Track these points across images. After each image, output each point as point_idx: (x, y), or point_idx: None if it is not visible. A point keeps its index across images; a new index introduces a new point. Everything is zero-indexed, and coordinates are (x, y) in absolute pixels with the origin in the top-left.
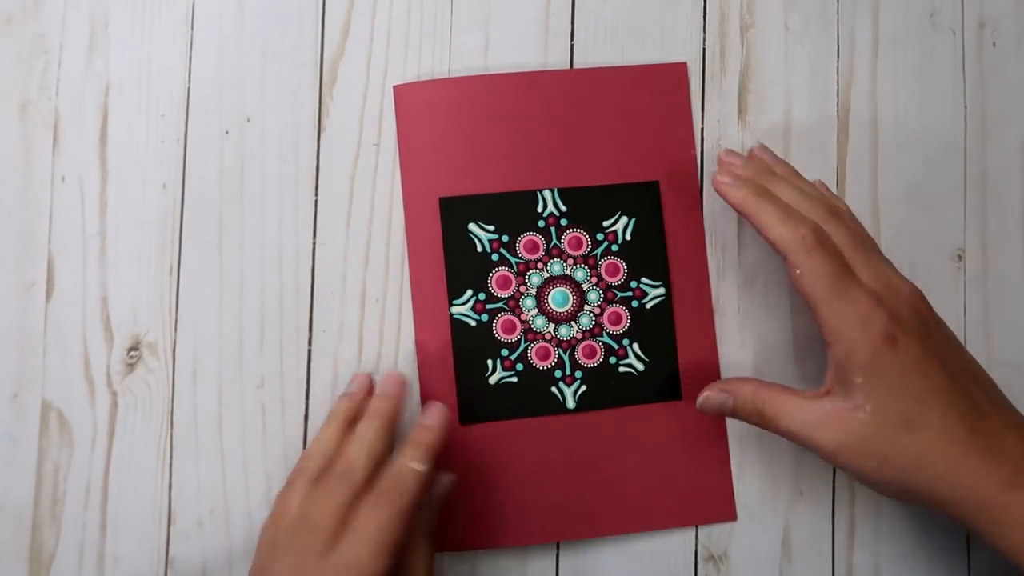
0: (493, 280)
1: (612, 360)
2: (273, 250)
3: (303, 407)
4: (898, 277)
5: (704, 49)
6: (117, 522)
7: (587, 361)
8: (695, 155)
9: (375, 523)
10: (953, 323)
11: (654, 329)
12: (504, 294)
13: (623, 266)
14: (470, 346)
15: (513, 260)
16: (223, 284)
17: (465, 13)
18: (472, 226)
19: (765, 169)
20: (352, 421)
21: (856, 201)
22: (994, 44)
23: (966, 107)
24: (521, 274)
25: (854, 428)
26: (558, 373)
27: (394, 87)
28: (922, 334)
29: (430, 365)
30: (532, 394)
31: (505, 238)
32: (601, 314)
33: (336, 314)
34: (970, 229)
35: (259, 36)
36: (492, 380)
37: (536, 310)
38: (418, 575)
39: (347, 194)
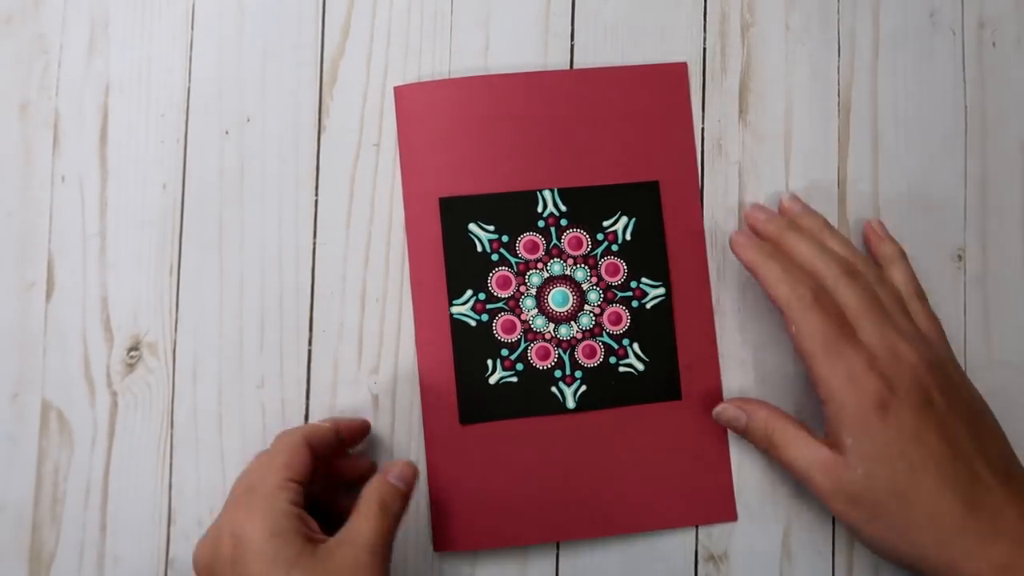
0: (493, 280)
1: (612, 360)
2: (273, 250)
3: (303, 407)
4: (910, 343)
5: (704, 49)
6: (117, 522)
7: (587, 361)
8: (695, 155)
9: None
10: (953, 323)
11: (654, 329)
12: (504, 294)
13: (623, 266)
14: (470, 346)
15: (513, 260)
16: (223, 284)
17: (465, 13)
18: (472, 226)
19: (787, 224)
20: None
21: (856, 201)
22: (994, 44)
23: (966, 107)
24: (521, 274)
25: (847, 481)
26: (558, 373)
27: (394, 88)
28: (919, 402)
29: (430, 365)
30: (532, 394)
31: (505, 238)
32: (601, 314)
33: (336, 314)
34: (970, 229)
35: (259, 36)
36: (492, 380)
37: (536, 310)
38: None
39: (347, 194)
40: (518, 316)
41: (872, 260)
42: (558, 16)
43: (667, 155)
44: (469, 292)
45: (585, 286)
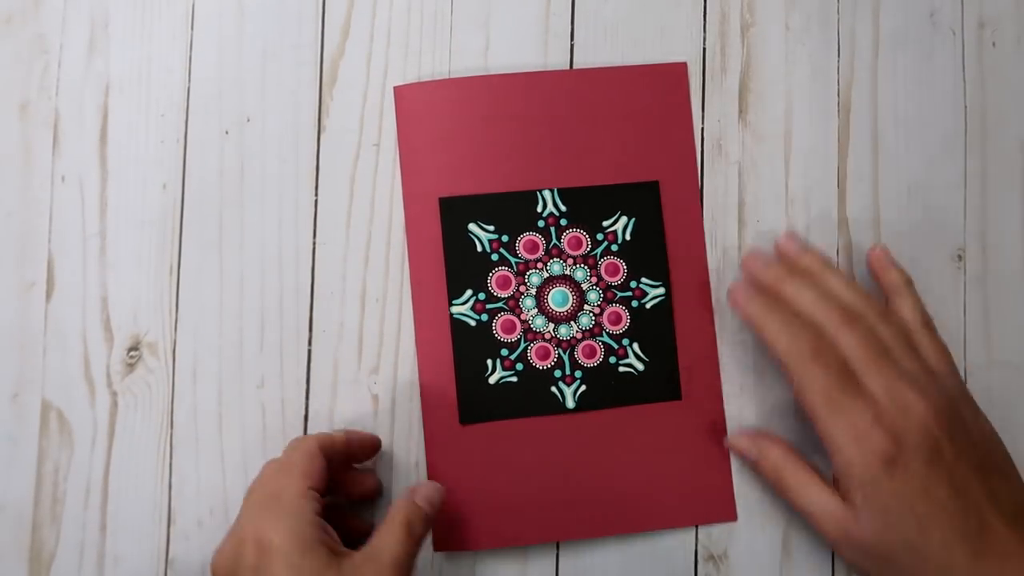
0: (493, 280)
1: (612, 360)
2: (273, 250)
3: (303, 407)
4: (917, 389)
5: (704, 49)
6: (117, 522)
7: (587, 361)
8: (695, 155)
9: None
10: (953, 323)
11: (654, 329)
12: (504, 294)
13: (623, 266)
14: (470, 346)
15: (513, 260)
16: (223, 284)
17: (465, 13)
18: (472, 226)
19: (785, 272)
20: None
21: (856, 201)
22: (994, 44)
23: (966, 107)
24: (521, 274)
25: (857, 534)
26: (558, 373)
27: (394, 88)
28: (928, 455)
29: (430, 365)
30: (532, 394)
31: (505, 238)
32: (601, 314)
33: (336, 314)
34: (970, 229)
35: (259, 36)
36: (492, 380)
37: (536, 310)
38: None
39: (347, 194)
40: (518, 316)
41: (873, 296)
42: (558, 16)
43: (667, 155)
44: (469, 292)
45: (585, 286)
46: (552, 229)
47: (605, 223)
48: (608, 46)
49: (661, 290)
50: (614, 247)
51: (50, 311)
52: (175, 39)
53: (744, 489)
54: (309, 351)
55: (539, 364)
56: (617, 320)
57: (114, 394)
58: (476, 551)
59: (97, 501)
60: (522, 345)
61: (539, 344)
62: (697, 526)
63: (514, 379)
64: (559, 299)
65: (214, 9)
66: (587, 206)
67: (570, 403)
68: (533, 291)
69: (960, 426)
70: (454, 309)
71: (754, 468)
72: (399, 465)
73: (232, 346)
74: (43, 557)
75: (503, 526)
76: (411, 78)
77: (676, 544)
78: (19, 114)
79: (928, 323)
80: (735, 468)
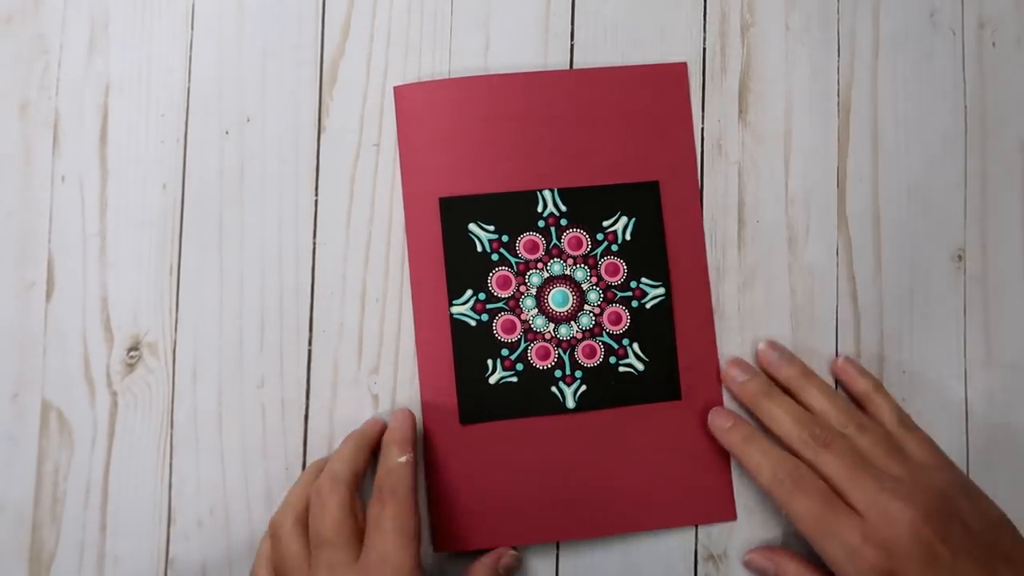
0: (493, 280)
1: (612, 360)
2: (273, 250)
3: (303, 407)
4: (903, 497)
5: (704, 49)
6: (117, 522)
7: (587, 361)
8: (695, 155)
9: (388, 519)
10: (953, 323)
11: (654, 329)
12: (504, 294)
13: (623, 266)
14: (470, 346)
15: (513, 260)
16: (223, 284)
17: (465, 13)
18: (472, 226)
19: (763, 389)
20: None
21: (856, 201)
22: (994, 44)
23: (966, 107)
24: (521, 274)
25: None
26: (558, 373)
27: (394, 88)
28: (923, 561)
29: (430, 365)
30: (532, 394)
31: (505, 238)
32: (601, 314)
33: (336, 314)
34: (970, 229)
35: (259, 36)
36: (492, 380)
37: (536, 310)
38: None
39: (347, 194)
40: (518, 316)
41: (851, 404)
42: (558, 16)
43: (667, 155)
44: (469, 292)
45: (585, 286)
46: (552, 229)
47: (605, 223)
48: (608, 46)
49: (661, 290)
50: (614, 247)
51: (50, 311)
52: (175, 39)
53: (744, 489)
54: (309, 351)
55: (539, 364)
56: (617, 320)
57: (114, 394)
58: (476, 551)
59: (97, 501)
60: (522, 345)
61: (539, 344)
62: (697, 526)
63: (514, 379)
64: (559, 299)
65: (214, 9)
66: (587, 206)
67: (570, 403)
68: (533, 291)
69: (955, 522)
70: (454, 309)
71: None
72: None
73: (232, 346)
74: (43, 557)
75: (503, 526)
76: (411, 78)
77: (676, 544)
78: (19, 114)
79: (905, 421)
80: (735, 468)
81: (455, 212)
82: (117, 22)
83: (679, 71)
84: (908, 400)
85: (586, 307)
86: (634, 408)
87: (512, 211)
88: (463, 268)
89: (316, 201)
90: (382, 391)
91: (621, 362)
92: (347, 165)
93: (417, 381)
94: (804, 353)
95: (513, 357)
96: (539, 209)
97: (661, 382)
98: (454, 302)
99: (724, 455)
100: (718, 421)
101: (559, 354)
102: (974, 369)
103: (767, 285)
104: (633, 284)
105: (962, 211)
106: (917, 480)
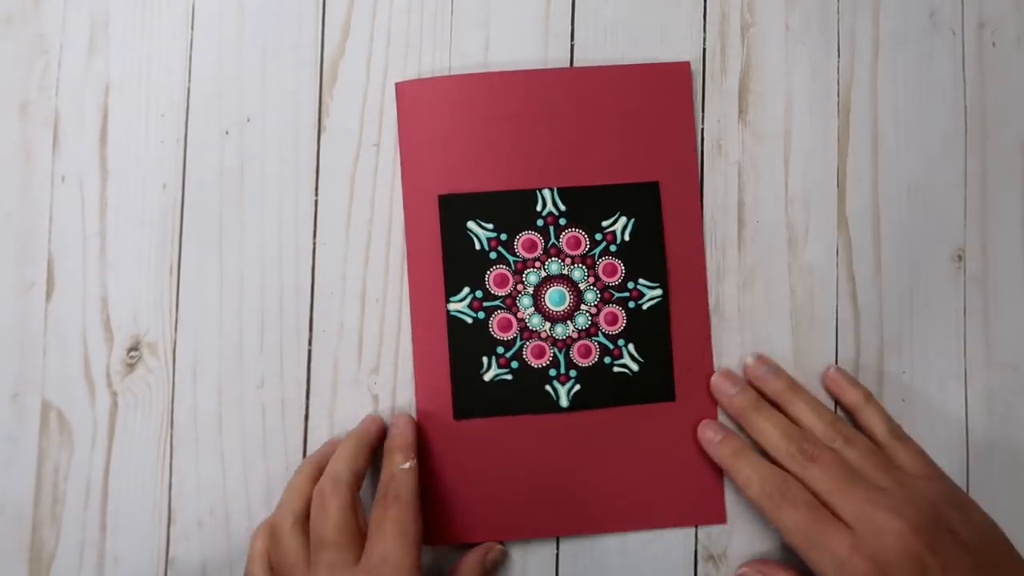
0: (490, 278)
1: (607, 360)
2: (273, 250)
3: (303, 407)
4: (891, 508)
5: (704, 49)
6: (117, 522)
7: (582, 360)
8: (695, 155)
9: (391, 522)
10: (953, 323)
11: (650, 330)
12: (501, 292)
13: (621, 266)
14: (466, 343)
15: (511, 258)
16: (223, 284)
17: (465, 13)
18: (471, 224)
19: (752, 403)
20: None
21: (856, 201)
22: (994, 44)
23: (966, 107)
24: (519, 272)
25: None
26: (553, 372)
27: (396, 84)
28: (913, 574)
29: (426, 361)
30: (526, 392)
31: (503, 236)
32: (597, 314)
33: (336, 314)
34: (970, 229)
35: (259, 36)
36: (487, 377)
37: (532, 309)
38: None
39: (347, 194)
40: (514, 314)
41: (839, 417)
42: (558, 16)
43: (667, 155)
44: (466, 289)
45: (582, 286)
46: (551, 228)
47: (604, 223)
48: (608, 46)
49: (658, 291)
50: (612, 247)
51: (50, 311)
52: (175, 39)
53: None
54: (309, 351)
55: (534, 363)
56: (613, 320)
57: (114, 394)
58: (469, 544)
59: (97, 501)
60: (518, 343)
61: (535, 343)
62: (697, 526)
63: (509, 377)
64: (556, 298)
65: (214, 9)
66: (586, 206)
67: (564, 402)
68: (530, 290)
69: (945, 533)
70: (451, 306)
71: None
72: None
73: (232, 346)
74: (43, 557)
75: (493, 520)
76: (411, 77)
77: (676, 544)
78: (19, 114)
79: (898, 433)
80: None
81: (454, 210)
82: (117, 22)
83: (682, 70)
84: (907, 400)
85: (583, 307)
86: (628, 408)
87: (511, 210)
88: (461, 265)
89: (316, 201)
90: (382, 391)
91: (616, 362)
92: (347, 165)
93: (413, 380)
94: (803, 353)
95: (508, 355)
96: (538, 208)
97: (655, 383)
98: (451, 299)
99: None
100: (708, 434)
101: (554, 353)
102: (974, 369)
103: (767, 285)
104: (631, 285)
105: (962, 211)
106: (906, 491)
